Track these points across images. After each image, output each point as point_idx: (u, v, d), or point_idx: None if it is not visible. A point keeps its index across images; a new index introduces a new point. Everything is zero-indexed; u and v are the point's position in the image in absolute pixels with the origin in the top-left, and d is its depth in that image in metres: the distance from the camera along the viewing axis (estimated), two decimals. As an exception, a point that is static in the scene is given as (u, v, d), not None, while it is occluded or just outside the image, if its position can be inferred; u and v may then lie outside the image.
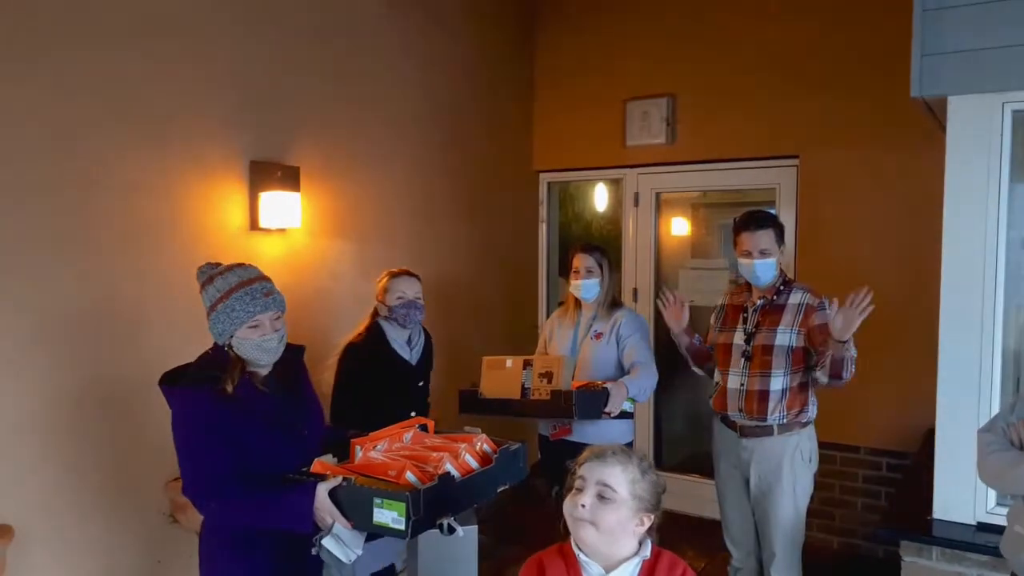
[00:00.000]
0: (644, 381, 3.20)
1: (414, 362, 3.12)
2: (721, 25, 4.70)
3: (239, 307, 2.06)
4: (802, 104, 4.43)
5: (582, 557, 1.75)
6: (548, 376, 3.09)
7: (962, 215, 2.70)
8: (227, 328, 2.07)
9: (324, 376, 2.99)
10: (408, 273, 3.14)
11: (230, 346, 2.09)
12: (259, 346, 2.09)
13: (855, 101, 4.26)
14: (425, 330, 3.26)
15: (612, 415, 3.09)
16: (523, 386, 3.14)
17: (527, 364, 3.17)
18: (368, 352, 3.04)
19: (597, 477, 1.75)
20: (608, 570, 1.75)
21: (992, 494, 2.68)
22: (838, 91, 4.32)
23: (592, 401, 3.03)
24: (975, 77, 2.61)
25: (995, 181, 2.63)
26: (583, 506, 1.73)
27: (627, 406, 3.19)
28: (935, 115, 2.96)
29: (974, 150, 2.66)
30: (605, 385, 3.08)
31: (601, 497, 1.73)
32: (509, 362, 3.21)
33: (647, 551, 1.78)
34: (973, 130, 2.65)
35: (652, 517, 1.79)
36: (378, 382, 3.00)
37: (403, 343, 3.10)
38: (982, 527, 2.66)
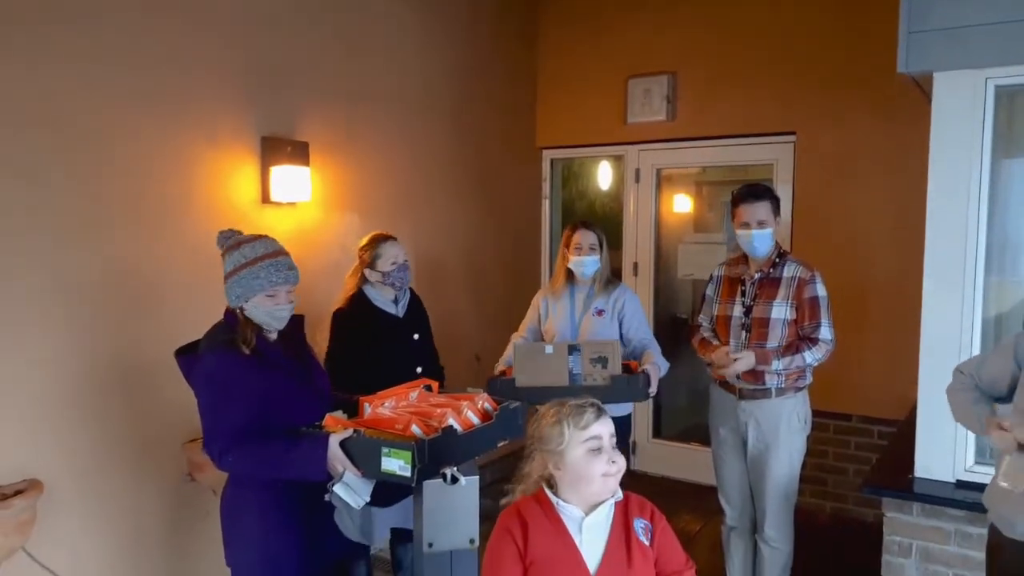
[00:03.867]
0: (663, 359, 3.32)
1: (401, 315, 3.21)
2: (720, 3, 4.78)
3: (263, 275, 2.20)
4: (799, 81, 4.53)
5: (560, 503, 1.87)
6: (602, 361, 3.06)
7: (946, 188, 2.78)
8: (245, 292, 2.21)
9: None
10: (391, 236, 3.19)
11: (242, 309, 2.23)
12: (271, 313, 2.24)
13: (851, 77, 4.35)
14: (411, 289, 3.33)
15: (652, 395, 3.21)
16: (571, 372, 3.09)
17: (573, 349, 3.10)
18: (355, 313, 3.14)
19: (608, 431, 1.87)
20: (587, 513, 1.87)
21: (971, 454, 2.80)
22: (834, 68, 4.41)
23: (646, 385, 3.13)
24: (959, 53, 2.70)
25: (977, 155, 2.72)
26: (614, 462, 1.85)
27: None
28: (923, 91, 3.05)
29: (958, 125, 2.75)
30: (644, 368, 3.17)
31: (614, 448, 1.87)
32: (549, 348, 3.13)
33: (619, 494, 1.90)
34: (957, 105, 2.74)
35: None
36: (369, 338, 3.10)
37: (387, 301, 3.19)
38: (960, 484, 2.78)
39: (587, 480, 1.84)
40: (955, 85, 2.74)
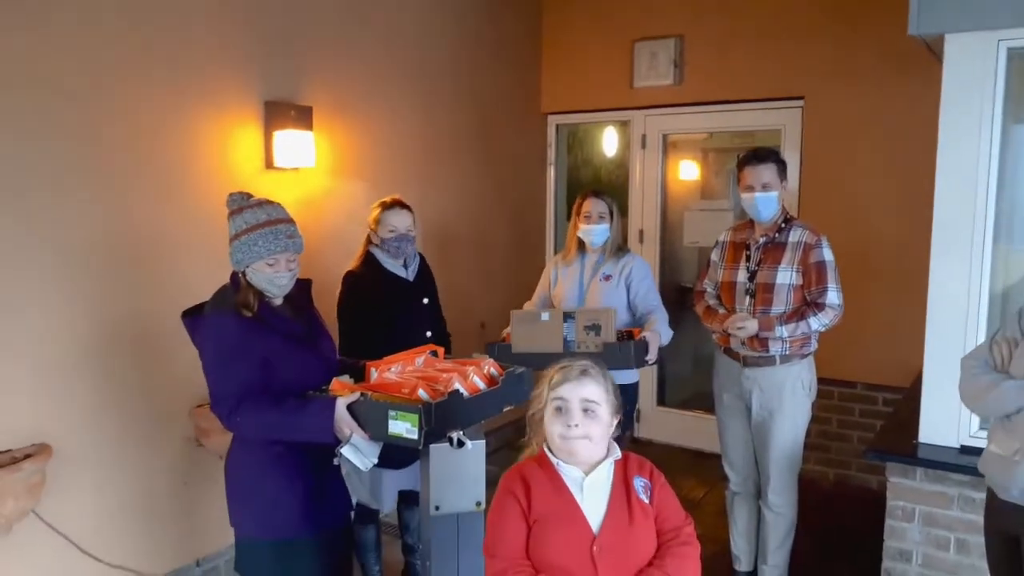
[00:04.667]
0: (667, 327, 3.32)
1: (411, 278, 3.20)
2: (729, -35, 4.71)
3: (261, 243, 2.20)
4: (807, 45, 4.47)
5: (560, 464, 1.89)
6: (596, 328, 3.08)
7: (955, 152, 2.76)
8: (245, 258, 2.22)
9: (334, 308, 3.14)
10: (399, 204, 3.17)
11: (244, 274, 2.24)
12: (270, 280, 2.24)
13: (859, 41, 4.30)
14: (420, 254, 3.33)
15: (651, 363, 3.20)
16: (565, 339, 3.11)
17: (568, 317, 3.13)
18: (364, 276, 3.14)
19: (580, 395, 1.86)
20: (587, 473, 1.88)
21: (975, 419, 2.80)
22: (842, 31, 4.35)
23: (641, 352, 3.13)
24: (971, 15, 2.65)
25: (988, 118, 2.69)
26: (576, 426, 1.85)
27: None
28: (934, 53, 3.01)
29: (969, 87, 2.71)
30: (643, 335, 3.17)
31: (586, 411, 1.86)
32: (545, 315, 3.17)
33: (617, 453, 1.93)
34: (968, 67, 2.70)
35: (619, 415, 1.94)
36: (379, 301, 3.10)
37: (397, 264, 3.18)
38: (965, 450, 2.79)
39: (548, 438, 1.89)
40: (966, 47, 2.70)
